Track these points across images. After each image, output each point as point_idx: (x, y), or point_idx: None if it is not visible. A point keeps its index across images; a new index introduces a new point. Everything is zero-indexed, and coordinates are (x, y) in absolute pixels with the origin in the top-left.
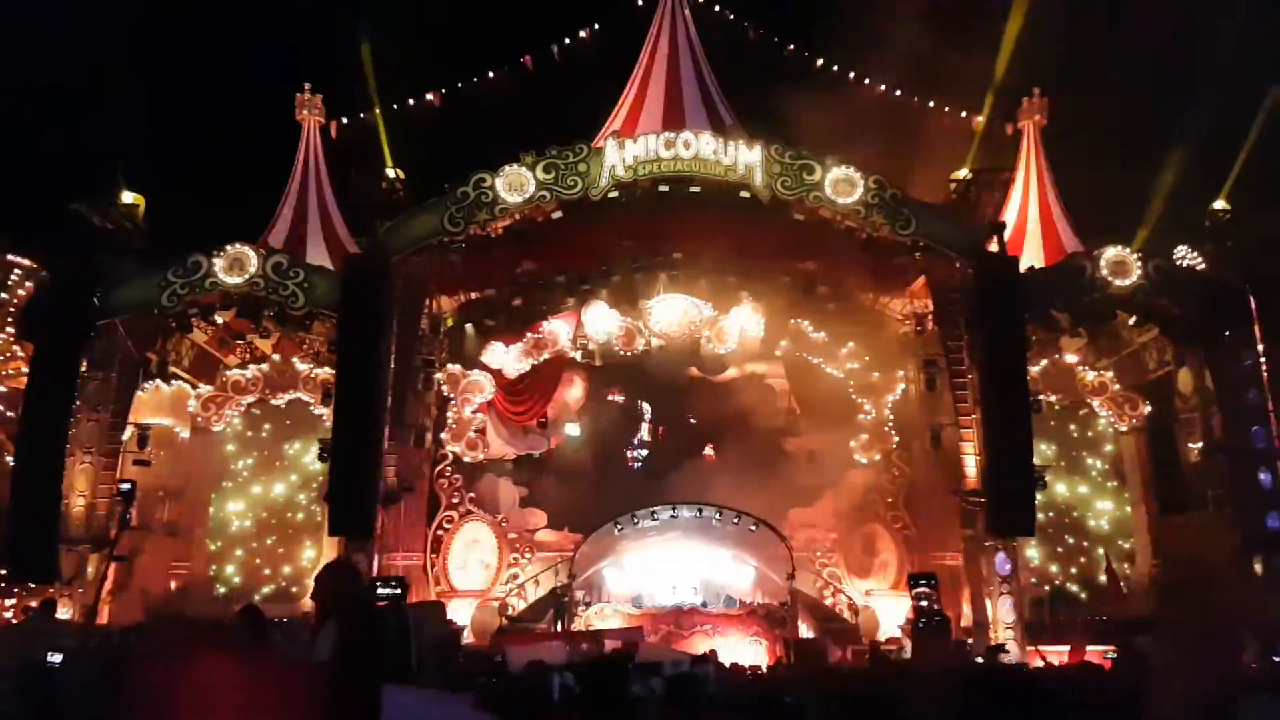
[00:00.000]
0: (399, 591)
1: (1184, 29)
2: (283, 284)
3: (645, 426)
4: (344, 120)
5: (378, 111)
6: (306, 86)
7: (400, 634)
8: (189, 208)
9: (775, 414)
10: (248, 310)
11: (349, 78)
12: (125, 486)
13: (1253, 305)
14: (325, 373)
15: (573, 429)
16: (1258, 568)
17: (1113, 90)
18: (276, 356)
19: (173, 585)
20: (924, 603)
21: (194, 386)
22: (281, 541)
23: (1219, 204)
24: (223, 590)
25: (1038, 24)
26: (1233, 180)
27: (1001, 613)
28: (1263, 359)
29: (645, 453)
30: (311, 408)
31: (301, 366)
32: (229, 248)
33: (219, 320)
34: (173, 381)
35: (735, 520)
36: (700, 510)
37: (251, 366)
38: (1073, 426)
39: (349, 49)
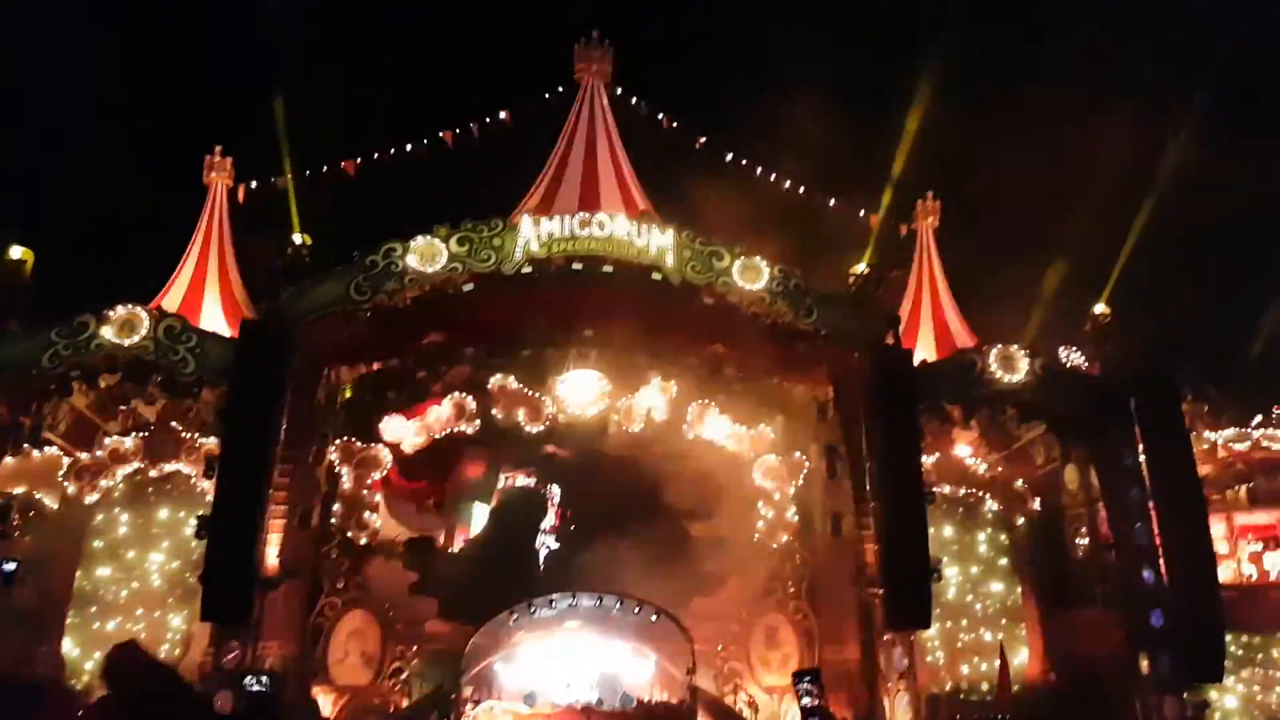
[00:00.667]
0: (270, 690)
1: (1069, 135)
2: (174, 348)
3: (552, 510)
4: (253, 184)
5: (288, 175)
6: (217, 149)
7: None
8: (84, 267)
9: (683, 498)
10: (134, 375)
11: (261, 141)
12: (8, 567)
13: (1132, 405)
14: (210, 443)
15: (480, 509)
16: (1144, 664)
17: (1002, 193)
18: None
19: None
20: (807, 700)
21: (68, 454)
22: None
23: (1099, 307)
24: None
25: (934, 129)
26: (1112, 284)
27: (899, 711)
28: (1142, 458)
29: (553, 538)
30: (193, 480)
31: (185, 435)
32: (119, 308)
33: (102, 385)
34: (45, 448)
35: (636, 610)
36: (601, 599)
37: (132, 434)
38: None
39: (262, 111)
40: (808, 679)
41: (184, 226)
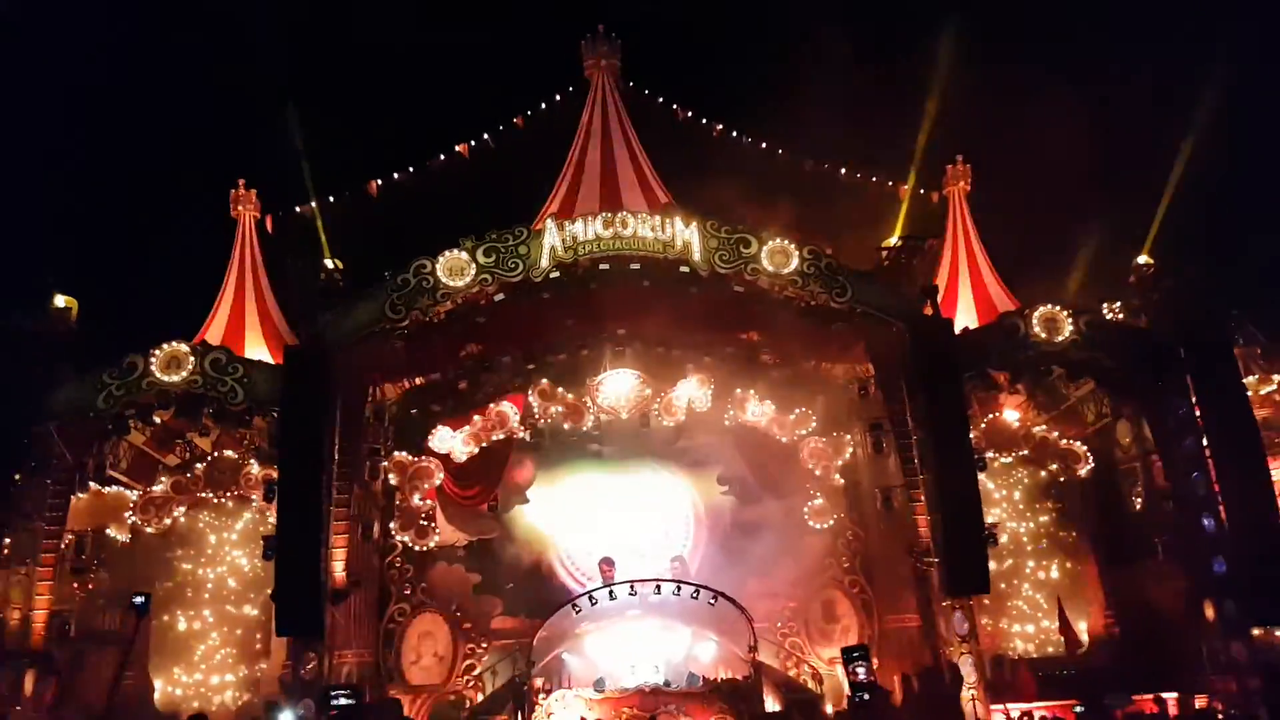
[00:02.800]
0: (353, 701)
1: (1101, 89)
2: (221, 380)
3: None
4: (280, 214)
5: (313, 204)
6: (240, 182)
7: None
8: (123, 310)
9: (729, 485)
10: (186, 409)
11: (283, 171)
12: (139, 600)
13: (1183, 355)
14: (267, 469)
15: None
16: (1209, 612)
17: (1034, 151)
18: (216, 454)
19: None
20: (861, 675)
21: (131, 489)
22: (227, 643)
23: (1142, 258)
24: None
25: (959, 92)
26: (1153, 235)
27: (964, 673)
28: (1196, 407)
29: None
30: (255, 504)
31: (243, 463)
32: (164, 346)
33: (157, 420)
34: (110, 485)
35: (694, 595)
36: (659, 587)
37: (193, 465)
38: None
39: (282, 143)
40: (857, 655)
41: (217, 261)
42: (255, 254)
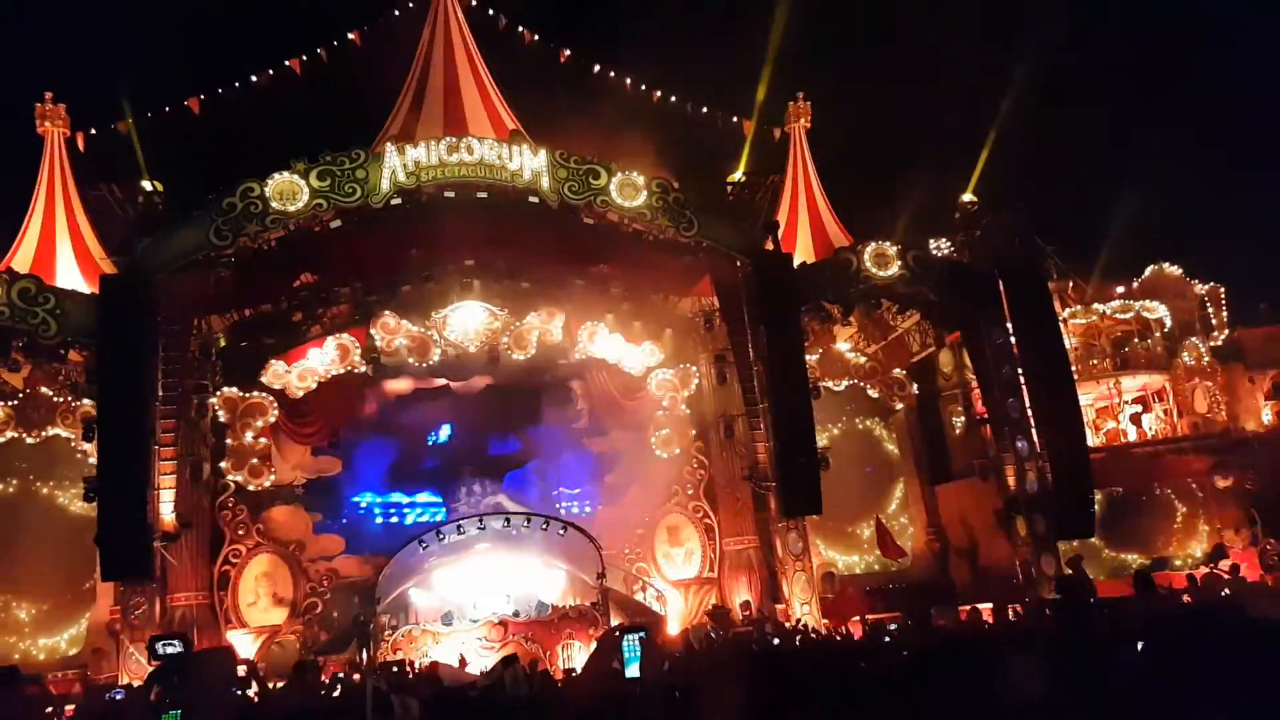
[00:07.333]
0: (180, 649)
1: (936, 30)
2: (31, 311)
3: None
4: (93, 131)
5: (130, 120)
6: (47, 95)
7: None
8: None
9: (579, 416)
10: None
11: (96, 85)
12: None
13: (1000, 288)
14: (85, 405)
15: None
16: (1020, 527)
17: (871, 90)
18: (27, 390)
19: None
20: None
21: None
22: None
23: (967, 196)
24: None
25: (803, 30)
26: (977, 175)
27: (798, 589)
28: (1012, 336)
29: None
30: (72, 444)
31: (57, 399)
32: None
33: None
34: None
35: (543, 526)
36: (508, 519)
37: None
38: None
39: (94, 53)
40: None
41: (23, 182)
42: (66, 174)
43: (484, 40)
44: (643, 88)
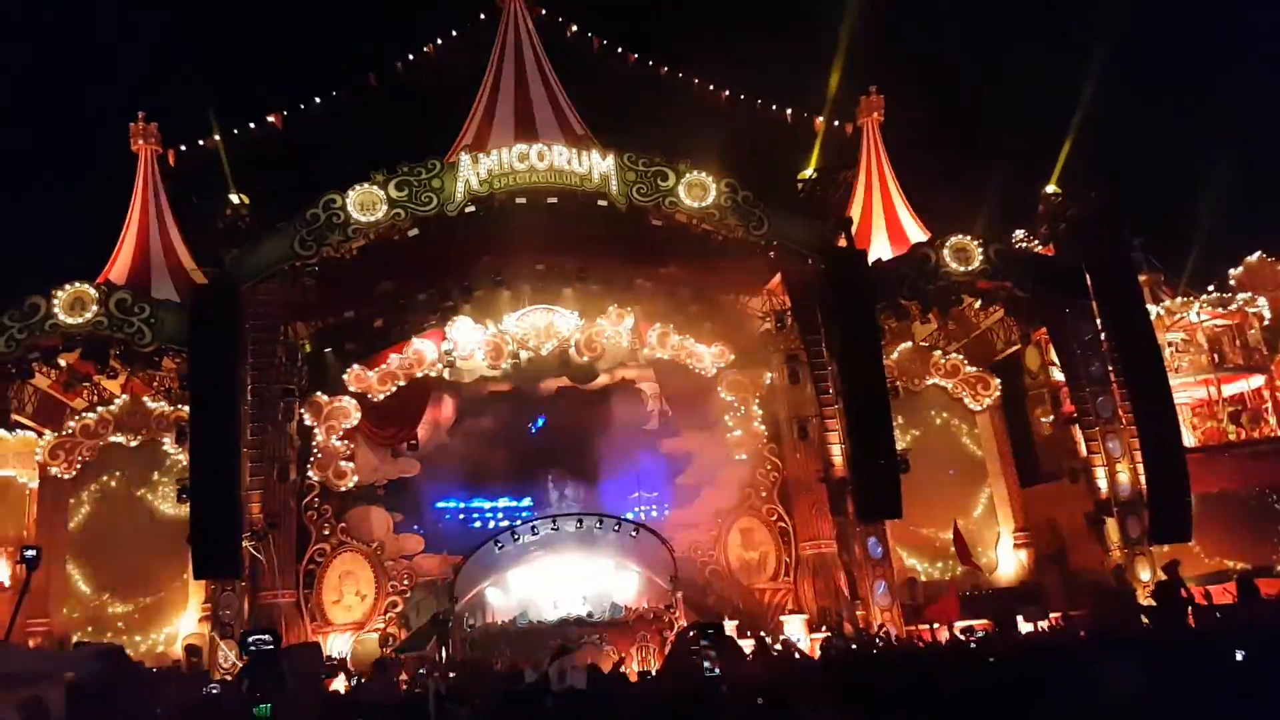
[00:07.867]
0: (271, 645)
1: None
2: (127, 321)
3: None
4: (183, 148)
5: (217, 136)
6: (140, 115)
7: None
8: (23, 250)
9: (648, 418)
10: (92, 351)
11: (185, 104)
12: (30, 553)
13: (1089, 281)
14: (179, 410)
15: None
16: (1113, 530)
17: (947, 85)
18: (125, 397)
19: (30, 644)
20: None
21: (39, 434)
22: (144, 588)
23: (1050, 188)
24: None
25: (874, 26)
26: (1061, 165)
27: (878, 595)
28: (1101, 332)
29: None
30: (166, 448)
31: (153, 405)
32: (67, 287)
33: (62, 363)
34: (16, 430)
35: (615, 528)
36: (580, 520)
37: (100, 408)
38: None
39: (184, 75)
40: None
41: (119, 198)
42: (158, 190)
43: (552, 47)
44: (710, 87)
